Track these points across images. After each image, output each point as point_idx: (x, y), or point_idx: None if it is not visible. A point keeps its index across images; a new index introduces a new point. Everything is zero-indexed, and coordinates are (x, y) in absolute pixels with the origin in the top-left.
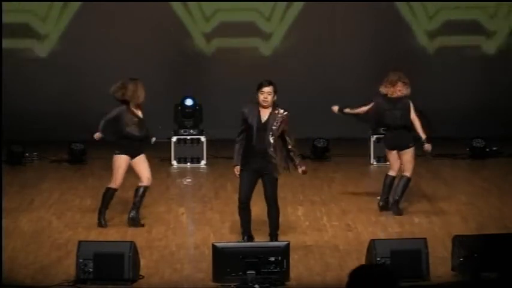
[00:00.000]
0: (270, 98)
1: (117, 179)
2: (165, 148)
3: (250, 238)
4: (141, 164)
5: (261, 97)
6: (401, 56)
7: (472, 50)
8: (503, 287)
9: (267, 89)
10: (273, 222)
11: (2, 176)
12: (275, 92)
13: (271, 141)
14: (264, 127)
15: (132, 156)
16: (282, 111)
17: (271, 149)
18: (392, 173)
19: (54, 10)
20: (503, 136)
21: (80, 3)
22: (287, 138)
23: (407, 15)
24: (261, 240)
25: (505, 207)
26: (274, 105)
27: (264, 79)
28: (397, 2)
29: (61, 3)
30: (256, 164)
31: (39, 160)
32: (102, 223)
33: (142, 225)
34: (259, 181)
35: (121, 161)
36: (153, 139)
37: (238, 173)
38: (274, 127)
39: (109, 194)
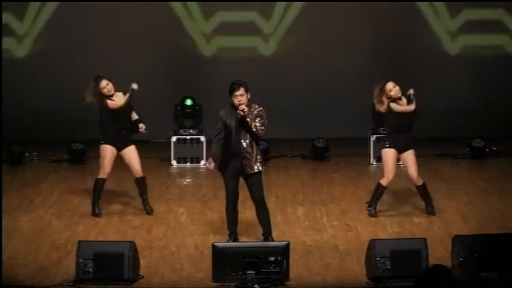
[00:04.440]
0: (244, 99)
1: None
2: (164, 148)
3: (236, 239)
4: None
5: (235, 100)
6: (402, 56)
7: (492, 50)
8: (503, 287)
9: (240, 92)
10: (264, 223)
11: (2, 175)
12: (247, 90)
13: (247, 138)
14: (241, 127)
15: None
16: (256, 106)
17: (245, 146)
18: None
19: (45, 9)
20: (503, 136)
21: (80, 3)
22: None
23: (415, 16)
24: (259, 240)
25: (505, 207)
26: (249, 104)
27: (234, 81)
28: (405, 4)
29: (53, 2)
30: (234, 165)
31: (39, 160)
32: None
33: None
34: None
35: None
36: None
37: (211, 167)
38: (249, 124)
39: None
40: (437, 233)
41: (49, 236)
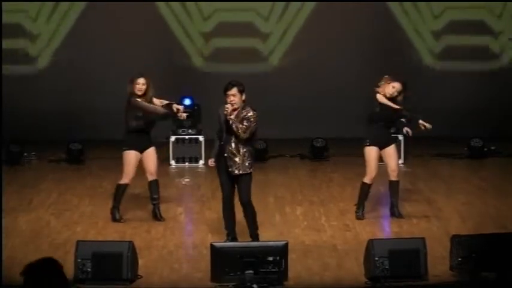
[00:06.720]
0: (236, 99)
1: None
2: (163, 148)
3: (234, 239)
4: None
5: (227, 100)
6: (401, 56)
7: (477, 50)
8: (502, 286)
9: (232, 92)
10: (250, 223)
11: (2, 175)
12: (241, 91)
13: (232, 140)
14: (231, 127)
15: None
16: (249, 109)
17: (233, 147)
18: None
19: (46, 9)
20: (501, 136)
21: (79, 3)
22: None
23: (412, 15)
24: (260, 240)
25: (503, 206)
26: (244, 105)
27: (230, 81)
28: (401, 4)
29: (53, 2)
30: (224, 163)
31: (37, 160)
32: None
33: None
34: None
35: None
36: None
37: (212, 165)
38: (236, 125)
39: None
40: (436, 233)
41: (48, 236)
